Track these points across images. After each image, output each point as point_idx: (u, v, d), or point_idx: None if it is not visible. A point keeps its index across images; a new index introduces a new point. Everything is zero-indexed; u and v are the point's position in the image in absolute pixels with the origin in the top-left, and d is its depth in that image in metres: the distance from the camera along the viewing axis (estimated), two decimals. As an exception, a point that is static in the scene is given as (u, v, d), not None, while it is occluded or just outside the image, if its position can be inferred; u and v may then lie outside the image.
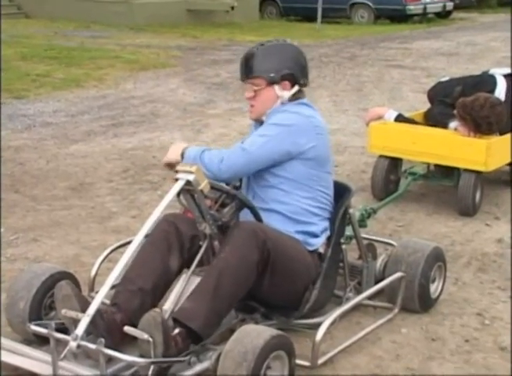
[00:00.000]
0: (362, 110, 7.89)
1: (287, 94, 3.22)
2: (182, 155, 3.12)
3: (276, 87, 3.20)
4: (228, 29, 16.15)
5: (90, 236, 4.45)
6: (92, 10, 16.00)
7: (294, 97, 3.25)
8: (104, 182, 5.53)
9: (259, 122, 3.29)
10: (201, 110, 8.27)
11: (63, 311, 2.75)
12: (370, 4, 18.79)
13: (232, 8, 16.76)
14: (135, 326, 2.70)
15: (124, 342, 2.78)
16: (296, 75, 3.22)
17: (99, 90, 9.23)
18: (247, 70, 3.22)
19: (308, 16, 18.61)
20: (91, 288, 3.38)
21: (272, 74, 3.17)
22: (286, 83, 3.21)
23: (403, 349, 3.20)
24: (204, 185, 2.90)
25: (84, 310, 2.70)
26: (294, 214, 3.19)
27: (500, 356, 3.18)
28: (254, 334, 2.64)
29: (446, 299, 3.67)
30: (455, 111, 4.94)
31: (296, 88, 3.24)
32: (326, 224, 3.29)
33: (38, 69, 10.10)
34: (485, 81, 5.27)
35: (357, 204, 4.33)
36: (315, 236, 3.23)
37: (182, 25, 16.11)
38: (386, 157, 5.18)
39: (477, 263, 4.18)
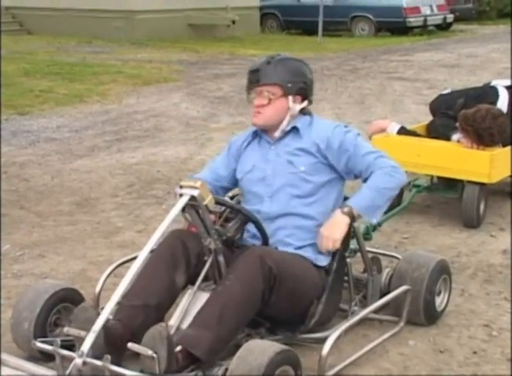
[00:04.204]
0: (365, 122, 7.90)
1: (298, 107, 3.26)
2: None
3: (290, 98, 3.22)
4: (229, 43, 16.21)
5: (96, 252, 4.45)
6: (93, 25, 16.09)
7: (302, 112, 3.29)
8: (109, 197, 5.54)
9: (262, 130, 3.31)
10: (204, 124, 8.29)
11: (66, 329, 2.74)
12: (371, 17, 18.87)
13: (234, 22, 16.84)
14: (136, 341, 2.68)
15: (125, 357, 2.78)
16: (308, 91, 3.27)
17: (102, 105, 9.26)
18: (265, 76, 3.17)
19: (309, 30, 18.68)
20: (97, 304, 3.37)
21: (289, 85, 3.19)
22: (299, 97, 3.25)
23: (411, 361, 3.20)
24: (209, 200, 2.90)
25: None
26: (311, 225, 3.20)
27: (508, 367, 3.17)
28: (257, 351, 2.62)
29: (453, 311, 3.66)
30: (457, 123, 4.95)
31: (306, 103, 3.28)
32: None
33: (41, 85, 10.15)
34: (487, 93, 5.28)
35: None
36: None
37: (183, 40, 16.19)
38: (389, 169, 5.18)
39: (483, 274, 4.18)
